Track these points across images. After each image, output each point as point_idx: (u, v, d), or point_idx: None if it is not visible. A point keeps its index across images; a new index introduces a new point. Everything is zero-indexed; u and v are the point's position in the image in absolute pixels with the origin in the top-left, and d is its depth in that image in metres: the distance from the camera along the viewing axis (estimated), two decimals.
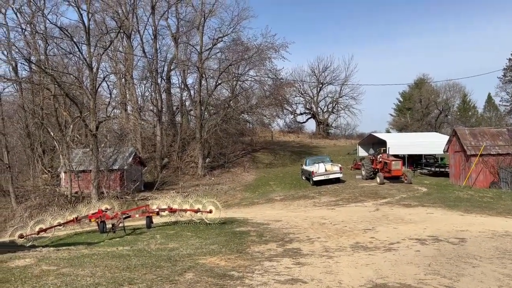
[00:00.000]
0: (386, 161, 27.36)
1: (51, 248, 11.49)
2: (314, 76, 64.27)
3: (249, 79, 42.03)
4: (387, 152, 29.73)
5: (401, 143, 32.84)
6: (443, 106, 64.54)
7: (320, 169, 28.06)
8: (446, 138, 29.86)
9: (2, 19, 36.39)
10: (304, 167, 30.78)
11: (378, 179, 26.57)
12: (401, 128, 65.45)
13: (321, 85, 64.45)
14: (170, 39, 43.31)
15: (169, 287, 6.61)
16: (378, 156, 28.90)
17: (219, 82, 40.86)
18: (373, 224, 13.89)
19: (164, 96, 43.14)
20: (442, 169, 30.78)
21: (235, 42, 40.67)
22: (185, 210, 16.54)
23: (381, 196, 22.42)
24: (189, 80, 45.11)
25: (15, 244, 14.21)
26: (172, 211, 16.61)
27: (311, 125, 74.28)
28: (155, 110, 40.90)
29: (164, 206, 16.70)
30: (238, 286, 6.78)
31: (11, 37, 36.06)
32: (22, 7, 33.65)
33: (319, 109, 66.38)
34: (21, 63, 37.77)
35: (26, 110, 35.96)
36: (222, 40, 40.44)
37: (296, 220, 15.76)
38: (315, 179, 27.98)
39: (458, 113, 67.20)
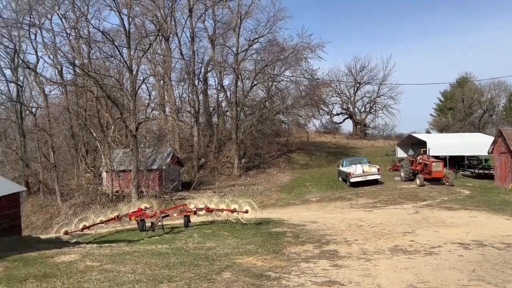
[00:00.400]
0: (427, 162, 26.55)
1: (94, 245, 11.94)
2: (351, 76, 63.33)
3: (285, 79, 41.96)
4: (427, 153, 28.86)
5: (442, 144, 31.76)
6: (487, 105, 61.87)
7: (357, 170, 27.61)
8: (490, 138, 28.59)
9: (48, 24, 38.17)
10: (341, 168, 30.38)
11: (417, 181, 25.84)
12: (442, 128, 63.27)
13: (358, 85, 63.41)
14: (207, 41, 43.98)
15: (207, 286, 6.71)
16: (418, 157, 28.10)
17: (255, 83, 41.03)
18: (412, 227, 13.53)
19: (201, 97, 43.82)
20: (486, 171, 29.53)
21: (271, 43, 40.71)
22: (222, 210, 16.72)
23: (421, 198, 21.79)
24: (226, 81, 45.56)
25: (60, 240, 14.85)
26: (209, 210, 16.83)
27: (348, 126, 73.14)
28: (192, 111, 41.58)
29: (201, 206, 16.94)
30: (275, 286, 6.80)
31: (57, 42, 37.80)
32: (67, 13, 35.17)
33: (356, 109, 65.35)
34: (66, 67, 39.45)
35: (71, 112, 37.47)
36: (258, 41, 40.63)
37: (333, 222, 15.59)
38: (352, 180, 27.55)
39: (504, 113, 64.19)
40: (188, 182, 36.35)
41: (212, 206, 16.80)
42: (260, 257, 9.26)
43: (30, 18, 36.79)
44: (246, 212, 15.94)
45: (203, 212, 16.98)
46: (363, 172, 27.59)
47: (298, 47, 39.75)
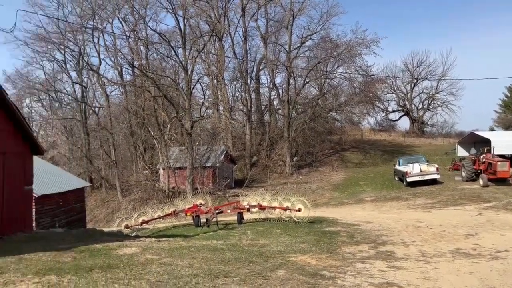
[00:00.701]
0: (491, 161, 25.02)
1: (153, 239, 12.41)
2: (408, 72, 60.86)
3: (338, 76, 41.30)
4: (492, 152, 27.16)
5: (508, 142, 29.74)
6: None
7: (414, 169, 26.60)
8: None
9: (110, 28, 40.15)
10: (397, 167, 29.41)
11: (481, 181, 24.43)
12: (508, 126, 59.21)
13: (415, 81, 60.85)
14: (260, 40, 44.26)
15: (262, 283, 6.77)
16: (481, 156, 26.54)
17: (307, 80, 40.72)
18: (476, 229, 12.82)
19: (253, 96, 44.16)
20: None
21: (324, 39, 40.17)
22: (274, 208, 16.77)
23: (484, 199, 20.58)
24: (278, 79, 45.57)
25: (122, 234, 15.58)
26: (261, 208, 16.94)
27: (404, 123, 70.43)
28: (244, 110, 42.03)
29: (254, 203, 17.08)
30: (330, 286, 6.73)
31: (117, 44, 39.71)
32: (127, 16, 36.82)
33: (413, 106, 62.79)
34: (126, 68, 41.36)
35: (130, 111, 39.21)
36: (310, 38, 40.29)
37: (389, 222, 15.14)
38: (409, 180, 26.58)
39: None
40: (241, 179, 36.80)
41: (264, 203, 16.88)
42: (314, 256, 9.20)
43: (94, 22, 38.91)
44: (299, 210, 15.87)
45: (256, 209, 17.11)
46: (421, 171, 26.54)
47: (352, 43, 38.92)
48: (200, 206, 17.87)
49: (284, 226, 14.94)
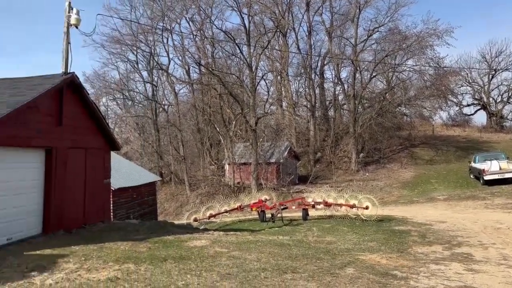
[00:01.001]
0: None
1: (221, 232, 12.75)
2: (485, 62, 56.68)
3: (407, 69, 39.50)
4: None
5: None
6: None
7: (492, 167, 24.78)
8: None
9: (178, 28, 41.69)
10: (473, 164, 27.59)
11: None
12: None
13: (493, 72, 56.57)
14: (324, 34, 43.60)
15: (330, 280, 6.69)
16: None
17: (374, 74, 39.45)
18: None
19: (317, 91, 43.68)
20: None
21: (392, 31, 38.64)
22: (341, 205, 16.51)
23: None
24: (343, 74, 44.62)
25: (191, 226, 16.16)
26: (327, 205, 16.76)
27: (480, 118, 65.96)
28: (308, 106, 41.70)
29: (320, 200, 16.94)
30: (402, 286, 6.49)
31: (184, 44, 41.17)
32: (194, 16, 37.99)
33: (491, 99, 58.42)
34: (193, 67, 42.78)
35: (197, 108, 40.49)
36: (378, 31, 38.95)
37: (464, 223, 14.26)
38: (486, 178, 24.83)
39: None
40: (305, 176, 36.60)
41: (330, 200, 16.68)
42: (384, 255, 8.92)
43: (163, 23, 40.64)
44: (367, 208, 15.51)
45: (321, 206, 16.97)
46: (500, 169, 24.66)
47: (422, 34, 37.04)
48: (265, 202, 18.06)
49: (350, 224, 14.65)
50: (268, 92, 46.59)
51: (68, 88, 10.89)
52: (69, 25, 10.85)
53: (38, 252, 8.06)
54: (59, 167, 10.48)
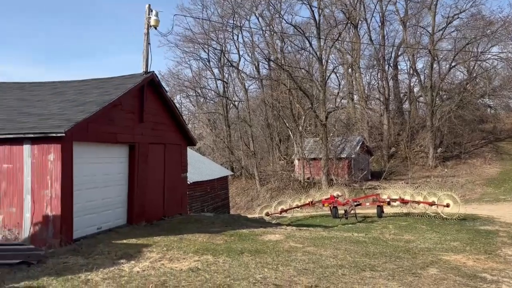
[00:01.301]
0: None
1: (294, 227, 12.74)
2: None
3: (492, 57, 36.61)
4: None
5: None
6: None
7: None
8: None
9: (247, 25, 42.22)
10: None
11: None
12: None
13: None
14: (398, 23, 41.79)
15: (412, 280, 6.40)
16: None
17: (454, 64, 37.04)
18: None
19: (391, 83, 41.98)
20: None
21: (474, 17, 35.97)
22: (418, 202, 15.78)
23: None
24: (419, 65, 42.37)
25: (264, 221, 16.35)
26: (403, 202, 16.11)
27: None
28: (381, 99, 40.24)
29: (395, 197, 16.31)
30: None
31: (254, 40, 41.59)
32: (263, 12, 38.23)
33: None
34: (262, 63, 43.07)
35: (266, 104, 40.77)
36: (458, 17, 36.49)
37: None
38: None
39: None
40: (378, 171, 35.45)
41: (407, 197, 16.00)
42: (471, 256, 8.34)
43: (233, 21, 41.35)
44: (447, 206, 14.66)
45: (397, 203, 16.36)
46: None
47: (509, 19, 34.12)
48: (337, 198, 17.75)
49: (429, 222, 13.93)
50: (338, 85, 45.66)
51: (148, 86, 11.47)
52: (149, 26, 11.40)
53: (124, 241, 8.61)
54: (141, 161, 11.10)
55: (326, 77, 34.82)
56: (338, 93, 42.14)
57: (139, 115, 11.07)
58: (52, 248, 7.76)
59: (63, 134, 7.97)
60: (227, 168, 37.78)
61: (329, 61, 37.66)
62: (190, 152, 21.02)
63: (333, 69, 39.35)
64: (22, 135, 8.28)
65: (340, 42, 37.66)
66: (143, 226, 10.84)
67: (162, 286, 5.57)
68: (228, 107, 46.11)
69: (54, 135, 8.06)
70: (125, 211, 10.81)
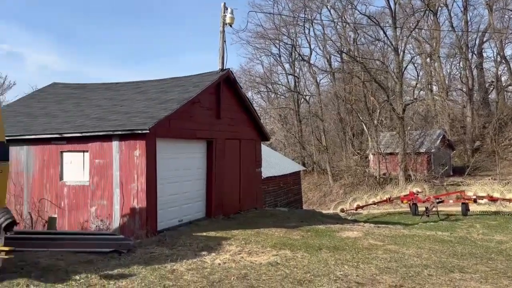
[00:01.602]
0: None
1: (372, 225, 12.36)
2: None
3: None
4: None
5: None
6: None
7: None
8: None
9: (319, 18, 41.56)
10: None
11: None
12: None
13: None
14: (483, 8, 38.74)
15: (509, 284, 5.89)
16: None
17: None
18: None
19: (475, 72, 39.05)
20: None
21: None
22: (510, 200, 14.59)
23: None
24: (507, 51, 39.01)
25: (339, 217, 16.08)
26: (492, 200, 15.05)
27: None
28: (464, 89, 37.59)
29: (483, 194, 15.25)
30: None
31: (326, 33, 40.84)
32: (335, 4, 37.39)
33: None
34: (334, 55, 42.19)
35: (339, 98, 39.89)
36: None
37: None
38: None
39: None
40: (460, 167, 33.26)
41: (496, 195, 14.86)
42: None
43: (304, 14, 40.94)
44: None
45: (484, 201, 15.32)
46: None
47: None
48: (417, 194, 16.96)
49: None
50: (416, 76, 43.31)
51: (224, 83, 11.74)
52: (224, 24, 11.64)
53: (204, 234, 8.91)
54: (218, 157, 11.41)
55: (403, 68, 33.25)
56: (416, 84, 40.01)
57: (216, 112, 11.38)
58: (139, 239, 8.26)
59: (147, 131, 8.43)
60: (299, 163, 37.62)
61: (405, 51, 35.91)
62: (263, 147, 21.19)
63: (411, 59, 37.42)
64: (111, 132, 8.89)
65: (417, 30, 35.72)
66: (220, 219, 11.15)
67: (244, 279, 5.67)
68: (299, 102, 45.81)
69: (139, 131, 8.55)
70: (203, 204, 11.19)
